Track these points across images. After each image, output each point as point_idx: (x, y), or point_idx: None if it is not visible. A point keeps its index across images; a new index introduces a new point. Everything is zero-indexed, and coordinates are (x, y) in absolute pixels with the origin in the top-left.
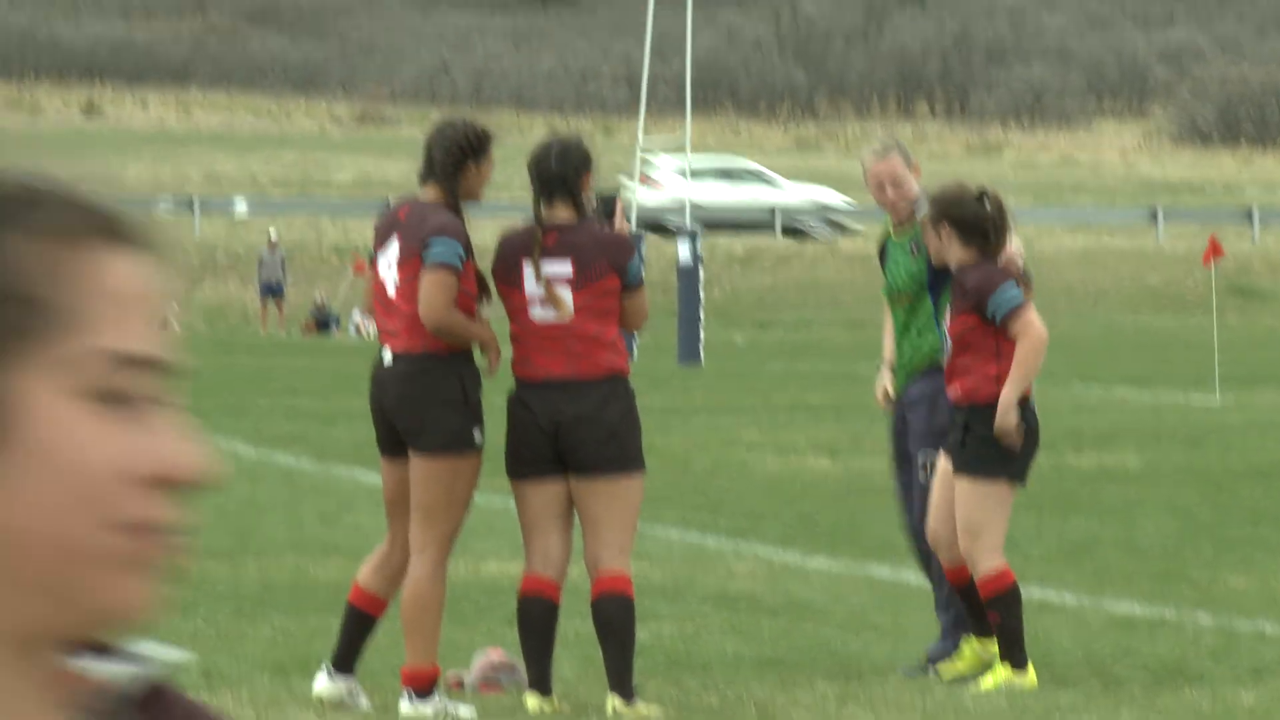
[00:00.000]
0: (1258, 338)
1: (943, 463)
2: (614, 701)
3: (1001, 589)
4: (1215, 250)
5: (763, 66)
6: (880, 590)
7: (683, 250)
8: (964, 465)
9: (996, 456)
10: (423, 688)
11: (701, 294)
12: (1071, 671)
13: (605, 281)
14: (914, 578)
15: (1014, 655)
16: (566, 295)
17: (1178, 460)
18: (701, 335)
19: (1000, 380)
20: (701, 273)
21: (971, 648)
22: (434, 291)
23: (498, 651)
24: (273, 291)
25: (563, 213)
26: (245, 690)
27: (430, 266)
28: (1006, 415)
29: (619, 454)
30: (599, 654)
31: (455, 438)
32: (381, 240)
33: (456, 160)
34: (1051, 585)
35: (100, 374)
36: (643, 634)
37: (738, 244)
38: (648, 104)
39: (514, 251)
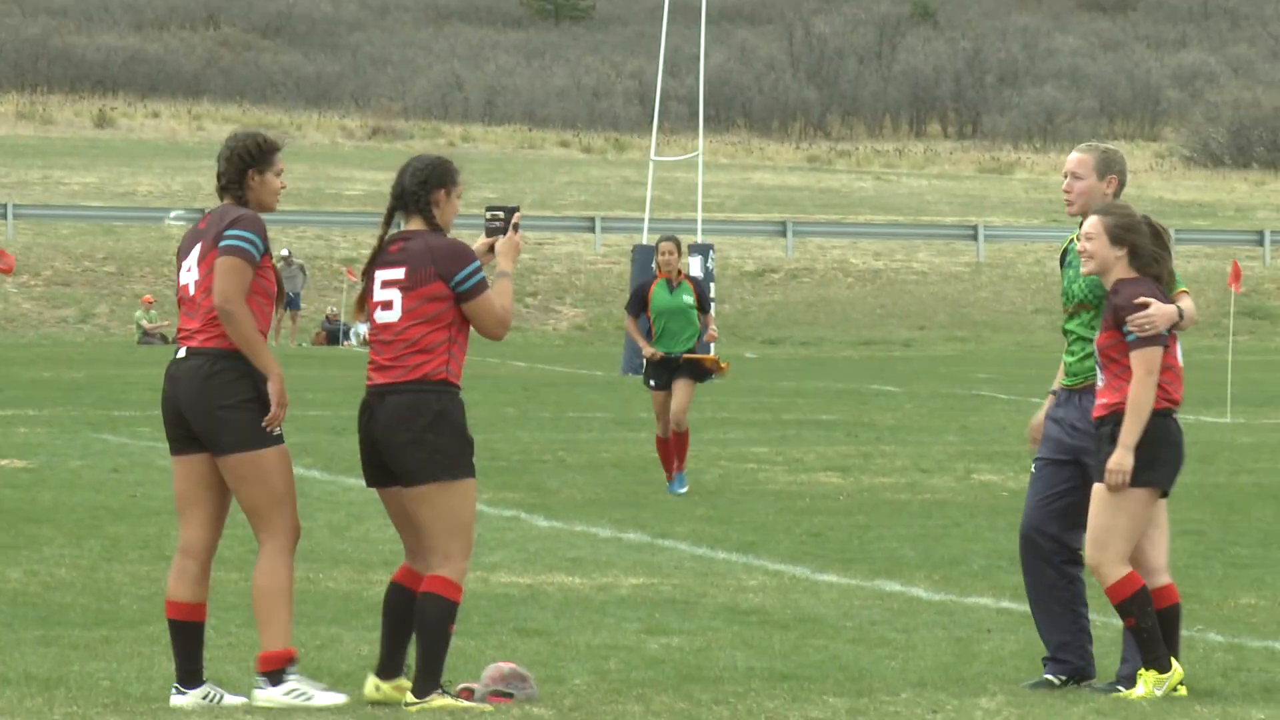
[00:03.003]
0: (1269, 359)
1: (1094, 486)
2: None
3: (1131, 592)
4: (1237, 275)
5: (775, 84)
6: (891, 605)
7: (693, 264)
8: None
9: (1139, 464)
10: (278, 671)
11: (712, 309)
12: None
13: (430, 288)
14: (924, 593)
15: (1156, 658)
16: (397, 299)
17: (1189, 480)
18: (712, 350)
19: None
20: (712, 287)
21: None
22: (225, 274)
23: (508, 664)
24: (288, 304)
25: (415, 225)
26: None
27: (222, 250)
28: (1119, 472)
29: (426, 461)
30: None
31: (251, 437)
32: (185, 251)
33: (239, 169)
34: None
35: None
36: (653, 646)
37: (749, 260)
38: (660, 120)
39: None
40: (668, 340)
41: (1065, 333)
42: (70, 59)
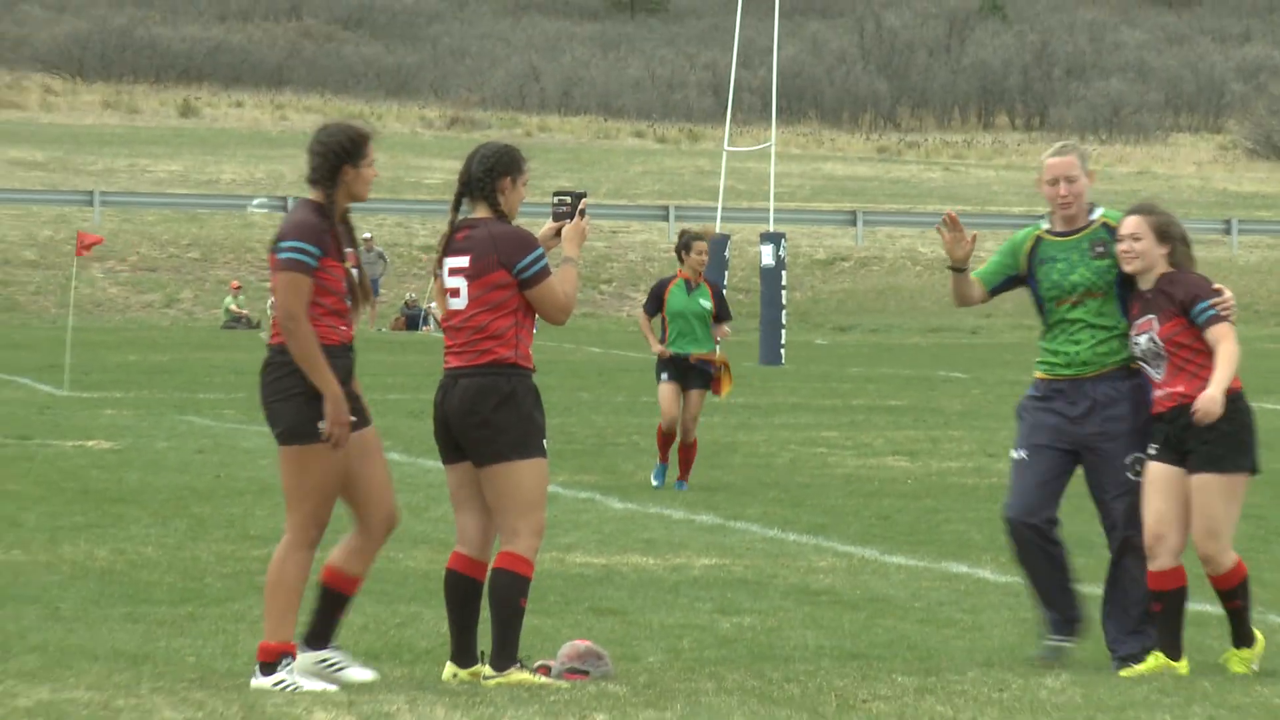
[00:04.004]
0: None
1: (1156, 470)
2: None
3: (1241, 578)
4: None
5: (846, 77)
6: (958, 587)
7: (765, 253)
8: (1210, 461)
9: (1241, 449)
10: (271, 663)
11: (784, 296)
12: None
13: (494, 276)
14: (991, 575)
15: (1246, 635)
16: (464, 287)
17: None
18: (783, 336)
19: None
20: (784, 275)
21: (1157, 660)
22: (283, 291)
23: (584, 642)
24: None
25: (481, 212)
26: None
27: (279, 265)
28: (1214, 405)
29: (494, 442)
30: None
31: (294, 431)
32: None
33: (333, 165)
34: None
35: None
36: (726, 626)
37: (820, 249)
38: (734, 111)
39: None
40: (681, 343)
41: (1064, 323)
42: (156, 49)
